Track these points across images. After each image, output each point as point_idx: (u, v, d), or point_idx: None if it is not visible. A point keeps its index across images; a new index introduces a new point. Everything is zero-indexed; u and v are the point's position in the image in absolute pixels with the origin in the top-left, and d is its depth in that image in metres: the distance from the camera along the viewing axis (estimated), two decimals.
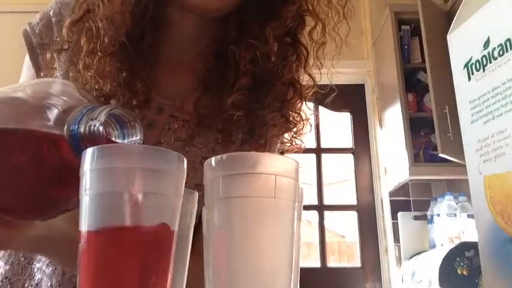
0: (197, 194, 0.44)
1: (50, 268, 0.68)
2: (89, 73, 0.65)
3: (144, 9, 0.68)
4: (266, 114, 0.71)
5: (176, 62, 0.74)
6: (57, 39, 0.72)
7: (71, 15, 0.71)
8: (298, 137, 0.76)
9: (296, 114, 0.75)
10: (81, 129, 0.35)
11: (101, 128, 0.34)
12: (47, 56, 0.71)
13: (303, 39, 0.74)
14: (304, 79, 0.76)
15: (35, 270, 0.70)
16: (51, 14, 0.74)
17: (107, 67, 0.65)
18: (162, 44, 0.73)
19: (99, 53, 0.64)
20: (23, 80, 0.76)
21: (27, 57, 0.74)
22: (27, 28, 0.74)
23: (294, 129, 0.75)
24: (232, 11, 0.70)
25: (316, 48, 0.74)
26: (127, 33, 0.66)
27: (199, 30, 0.74)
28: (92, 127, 0.35)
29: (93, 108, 0.36)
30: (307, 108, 0.77)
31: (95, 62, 0.64)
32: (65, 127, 0.36)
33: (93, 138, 0.35)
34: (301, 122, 0.76)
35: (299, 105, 0.75)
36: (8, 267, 0.70)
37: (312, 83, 0.76)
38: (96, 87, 0.65)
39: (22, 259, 0.71)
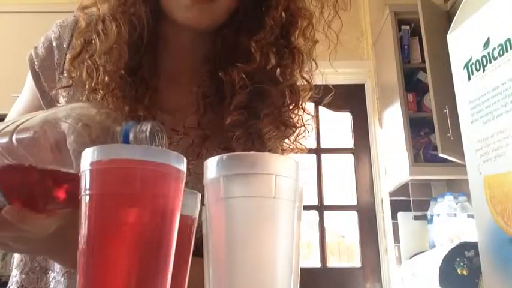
0: (200, 194, 0.44)
1: (65, 278, 0.69)
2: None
3: (140, 35, 0.69)
4: (264, 127, 0.71)
5: (173, 77, 0.75)
6: (58, 61, 0.73)
7: (70, 37, 0.73)
8: (299, 141, 0.76)
9: (295, 119, 0.75)
10: (132, 138, 0.43)
11: (148, 135, 0.43)
12: (53, 92, 0.72)
13: (299, 39, 0.74)
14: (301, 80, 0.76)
15: (50, 279, 0.71)
16: (52, 37, 0.75)
17: (110, 104, 0.66)
18: (159, 62, 0.74)
19: (101, 91, 0.66)
20: (24, 96, 0.77)
21: (29, 77, 0.75)
22: (32, 52, 0.75)
23: (294, 134, 0.75)
24: (224, 24, 0.71)
25: (308, 48, 0.74)
26: (126, 64, 0.67)
27: (193, 43, 0.75)
28: (140, 136, 0.44)
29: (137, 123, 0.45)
30: (306, 112, 0.77)
31: (98, 99, 0.66)
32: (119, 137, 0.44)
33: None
34: (301, 127, 0.76)
35: (297, 109, 0.75)
36: (23, 276, 0.72)
37: (309, 87, 0.76)
38: None
39: (38, 268, 0.72)
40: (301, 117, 0.76)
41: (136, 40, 0.69)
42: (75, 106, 0.46)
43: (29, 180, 0.44)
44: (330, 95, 0.80)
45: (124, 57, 0.67)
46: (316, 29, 0.73)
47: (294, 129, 0.75)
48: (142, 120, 0.68)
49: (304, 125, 0.76)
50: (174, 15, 0.68)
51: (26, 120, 0.44)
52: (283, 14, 0.70)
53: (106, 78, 0.66)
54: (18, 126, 0.43)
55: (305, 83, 0.75)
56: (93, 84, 0.66)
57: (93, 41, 0.67)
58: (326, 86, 0.79)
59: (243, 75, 0.69)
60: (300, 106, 0.75)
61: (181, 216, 0.36)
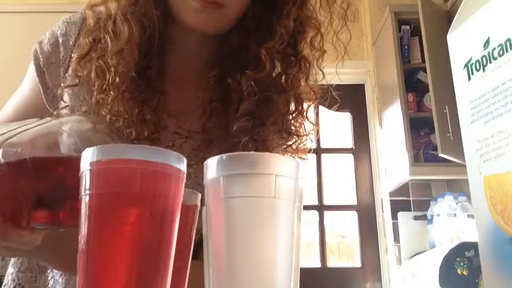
0: (200, 194, 0.44)
1: (63, 277, 0.70)
2: (103, 111, 0.65)
3: (150, 38, 0.69)
4: (268, 134, 0.71)
5: (180, 80, 0.75)
6: (63, 58, 0.73)
7: (76, 35, 0.73)
8: (300, 152, 0.76)
9: (298, 127, 0.75)
10: None
11: None
12: (58, 91, 0.72)
13: (306, 48, 0.74)
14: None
15: (49, 278, 0.71)
16: (58, 33, 0.75)
17: (121, 106, 0.65)
18: (166, 65, 0.74)
19: (112, 92, 0.65)
20: (23, 89, 0.77)
21: (31, 68, 0.75)
22: (37, 47, 0.75)
23: (296, 144, 0.75)
24: (232, 29, 0.71)
25: (316, 58, 0.74)
26: (136, 65, 0.67)
27: (201, 47, 0.75)
28: None
29: None
30: (309, 121, 0.77)
31: (108, 101, 0.65)
32: None
33: None
34: (303, 136, 0.76)
35: (301, 118, 0.76)
36: (21, 275, 0.72)
37: (314, 97, 0.76)
38: (109, 121, 0.66)
39: (36, 267, 0.72)
40: (304, 126, 0.76)
41: (146, 41, 0.68)
42: (68, 120, 0.46)
43: (13, 195, 0.44)
44: (334, 106, 0.80)
45: (134, 58, 0.66)
46: (324, 40, 0.74)
47: (296, 137, 0.75)
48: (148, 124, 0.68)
49: (306, 134, 0.76)
50: (183, 19, 0.68)
51: (16, 134, 0.44)
52: (292, 22, 0.70)
53: (117, 80, 0.65)
54: (8, 139, 0.43)
55: (311, 92, 0.76)
56: (104, 86, 0.65)
57: (102, 41, 0.67)
58: (327, 86, 0.79)
59: (252, 83, 0.69)
60: (304, 115, 0.75)
61: (183, 206, 0.35)
